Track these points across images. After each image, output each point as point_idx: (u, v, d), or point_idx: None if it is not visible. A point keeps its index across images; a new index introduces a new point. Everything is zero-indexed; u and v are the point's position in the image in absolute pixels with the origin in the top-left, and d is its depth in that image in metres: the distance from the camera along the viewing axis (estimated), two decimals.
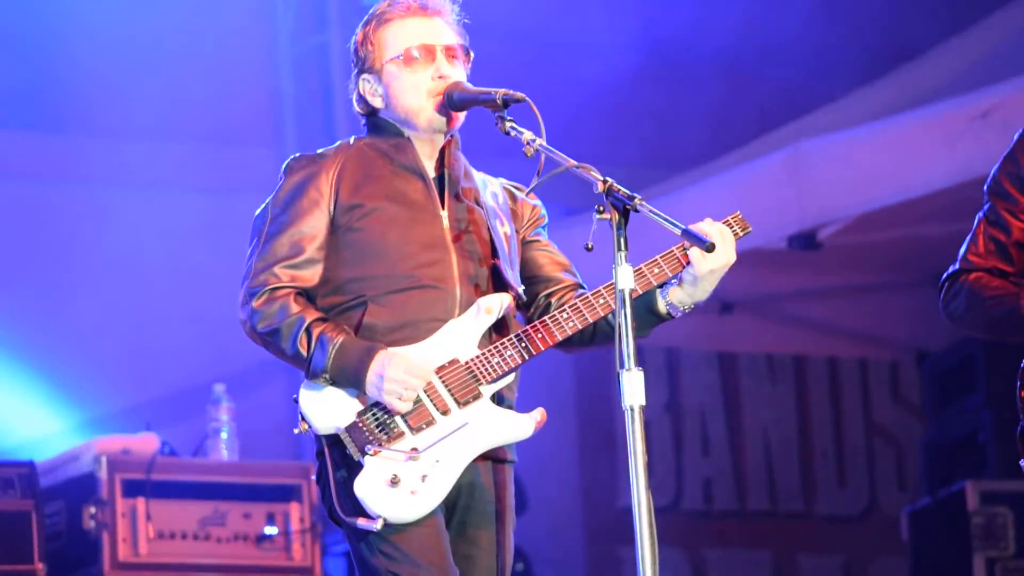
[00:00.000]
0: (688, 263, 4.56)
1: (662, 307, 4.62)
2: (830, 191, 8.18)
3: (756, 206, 8.06)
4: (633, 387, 4.18)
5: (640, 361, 4.20)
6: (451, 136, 4.77)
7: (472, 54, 4.78)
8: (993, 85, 7.77)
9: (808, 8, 9.99)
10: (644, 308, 4.60)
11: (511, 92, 4.59)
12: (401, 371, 4.51)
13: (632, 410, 4.18)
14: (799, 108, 9.19)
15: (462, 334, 4.61)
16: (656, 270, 4.59)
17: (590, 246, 4.31)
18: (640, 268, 4.57)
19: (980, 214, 4.91)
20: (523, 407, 4.66)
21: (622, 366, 4.21)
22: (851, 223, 8.34)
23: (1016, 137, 4.88)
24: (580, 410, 10.61)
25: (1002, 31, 8.79)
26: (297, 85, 9.81)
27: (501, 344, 4.62)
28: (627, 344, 4.21)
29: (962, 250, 4.91)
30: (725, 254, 4.55)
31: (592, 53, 9.95)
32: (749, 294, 9.66)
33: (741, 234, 4.65)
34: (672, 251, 4.60)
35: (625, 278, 4.25)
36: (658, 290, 4.59)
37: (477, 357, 4.60)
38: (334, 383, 4.58)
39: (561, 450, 10.47)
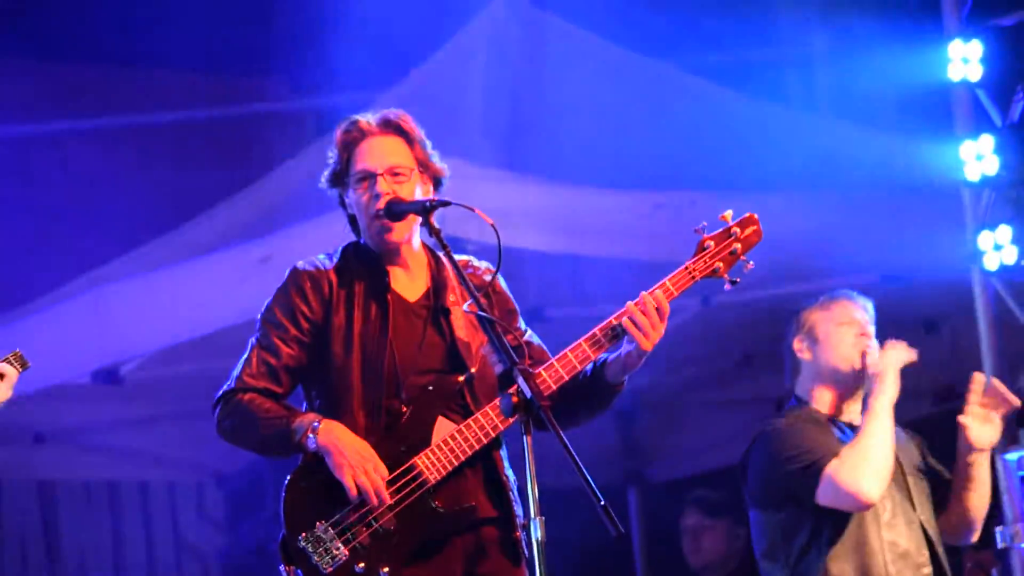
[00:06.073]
0: None
1: None
2: (130, 330, 8.20)
3: (61, 344, 8.05)
4: None
5: None
6: None
7: None
8: (271, 233, 8.01)
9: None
10: None
11: None
12: None
13: None
14: (102, 257, 9.18)
15: None
16: None
17: None
18: None
19: (254, 339, 5.03)
20: None
21: None
22: (149, 358, 8.40)
23: (286, 274, 5.06)
24: None
25: (277, 187, 9.09)
26: None
27: None
28: None
29: (237, 370, 5.00)
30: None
31: None
32: (62, 426, 9.53)
33: (21, 369, 4.77)
34: None
35: None
36: None
37: None
38: None
39: None
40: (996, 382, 6.08)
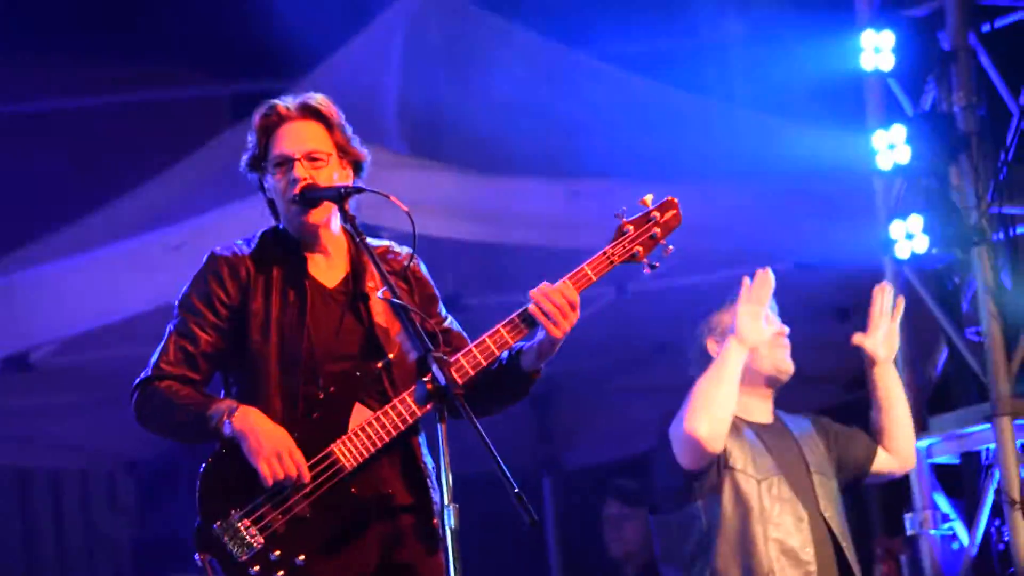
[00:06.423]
0: None
1: None
2: (41, 316, 8.12)
3: None
4: None
5: None
6: None
7: None
8: (185, 221, 7.94)
9: None
10: None
11: None
12: None
13: None
14: (12, 243, 9.09)
15: None
16: None
17: None
18: None
19: (171, 325, 4.98)
20: None
21: None
22: (61, 345, 8.31)
23: (204, 260, 5.01)
24: None
25: (190, 175, 9.04)
26: None
27: None
28: None
29: (154, 358, 4.95)
30: None
31: None
32: None
33: None
34: None
35: None
36: None
37: None
38: None
39: None
40: (885, 287, 6.19)
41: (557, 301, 4.79)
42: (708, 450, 5.81)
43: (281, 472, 4.74)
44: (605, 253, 4.92)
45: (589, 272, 4.88)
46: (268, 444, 4.76)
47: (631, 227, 4.95)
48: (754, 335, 5.90)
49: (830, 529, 5.97)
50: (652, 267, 4.95)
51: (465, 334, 5.05)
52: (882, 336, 6.22)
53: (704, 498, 5.89)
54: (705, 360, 6.06)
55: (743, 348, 5.89)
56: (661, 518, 6.01)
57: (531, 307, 4.81)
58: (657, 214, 4.97)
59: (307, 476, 4.78)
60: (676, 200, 5.01)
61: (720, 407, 5.80)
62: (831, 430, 6.22)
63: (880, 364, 6.22)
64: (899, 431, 6.21)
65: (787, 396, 6.22)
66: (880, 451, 6.21)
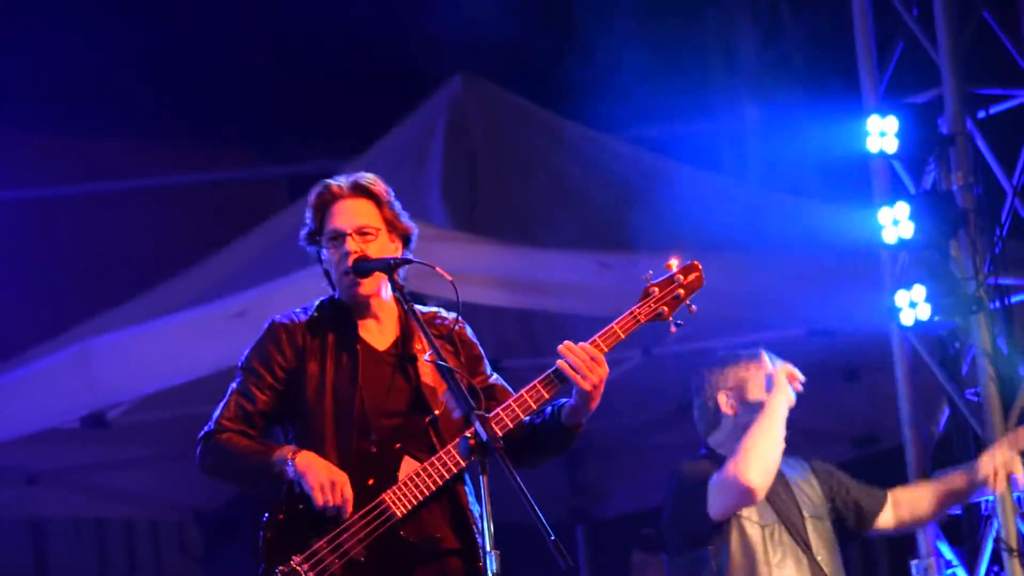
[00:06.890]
0: None
1: None
2: (116, 379, 8.14)
3: (53, 393, 8.01)
4: None
5: None
6: None
7: None
8: (247, 290, 7.97)
9: None
10: None
11: None
12: None
13: None
14: (89, 312, 9.13)
15: None
16: None
17: None
18: None
19: (234, 384, 5.03)
20: None
21: None
22: (134, 405, 8.34)
23: (264, 327, 5.06)
24: None
25: (250, 250, 9.09)
26: None
27: None
28: None
29: (216, 413, 5.00)
30: None
31: None
32: (53, 468, 9.47)
33: None
34: None
35: None
36: None
37: None
38: None
39: None
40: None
41: (580, 354, 4.81)
42: (756, 500, 5.76)
43: (331, 499, 4.76)
44: (632, 313, 4.93)
45: (618, 330, 4.89)
46: (326, 475, 4.79)
47: (656, 289, 4.96)
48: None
49: (823, 571, 5.90)
50: (677, 325, 4.95)
51: (511, 389, 5.06)
52: (999, 473, 6.17)
53: (713, 543, 5.84)
54: (716, 415, 6.01)
55: (788, 402, 5.85)
56: (671, 560, 5.97)
57: (560, 362, 4.82)
58: (681, 276, 4.98)
59: (350, 509, 4.80)
60: (699, 264, 5.02)
61: (772, 460, 5.76)
62: (835, 477, 6.14)
63: (977, 486, 6.18)
64: (929, 510, 6.18)
65: (798, 454, 6.17)
66: (888, 506, 6.11)
